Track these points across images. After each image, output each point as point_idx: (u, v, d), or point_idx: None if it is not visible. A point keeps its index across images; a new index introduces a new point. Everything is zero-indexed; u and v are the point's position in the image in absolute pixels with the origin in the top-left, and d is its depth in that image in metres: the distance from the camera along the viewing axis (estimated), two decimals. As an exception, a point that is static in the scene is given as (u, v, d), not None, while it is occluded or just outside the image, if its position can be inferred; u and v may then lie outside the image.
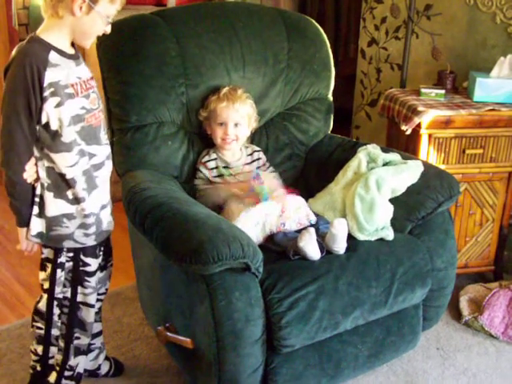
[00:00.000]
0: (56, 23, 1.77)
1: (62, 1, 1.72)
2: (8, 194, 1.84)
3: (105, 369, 2.31)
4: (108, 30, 1.85)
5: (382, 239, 2.18)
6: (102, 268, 2.08)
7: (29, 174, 1.81)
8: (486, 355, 2.53)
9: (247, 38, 2.48)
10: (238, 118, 2.35)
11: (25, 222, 1.88)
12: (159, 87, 2.29)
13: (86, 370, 2.20)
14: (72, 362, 2.06)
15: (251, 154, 2.46)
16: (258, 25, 2.53)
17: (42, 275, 2.00)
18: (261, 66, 2.51)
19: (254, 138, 2.56)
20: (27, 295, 2.06)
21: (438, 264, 2.24)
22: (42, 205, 1.86)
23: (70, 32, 1.79)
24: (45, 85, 1.72)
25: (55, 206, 1.86)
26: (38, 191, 1.85)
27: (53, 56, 1.75)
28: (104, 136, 1.94)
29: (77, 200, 1.87)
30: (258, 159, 2.47)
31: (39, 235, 1.89)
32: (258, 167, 2.43)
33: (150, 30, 2.33)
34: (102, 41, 2.30)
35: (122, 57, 2.29)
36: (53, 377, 2.07)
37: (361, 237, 2.18)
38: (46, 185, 1.84)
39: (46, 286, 1.98)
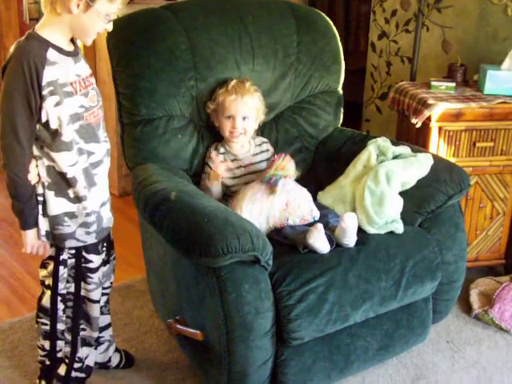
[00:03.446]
0: (55, 20, 1.73)
1: None
2: (10, 196, 1.82)
3: (115, 361, 2.32)
4: (109, 27, 1.81)
5: (391, 232, 2.18)
6: (105, 262, 2.08)
7: (32, 176, 1.80)
8: (496, 349, 2.52)
9: (257, 31, 2.48)
10: (246, 111, 2.34)
11: (28, 224, 1.86)
12: (169, 80, 2.29)
13: (96, 363, 2.21)
14: (80, 353, 2.07)
15: (260, 145, 2.46)
16: (267, 18, 2.53)
17: (44, 272, 2.01)
18: (270, 60, 2.51)
19: (263, 131, 2.56)
20: (39, 288, 2.08)
21: (447, 257, 2.24)
22: (44, 204, 1.86)
23: (68, 29, 1.76)
24: (43, 83, 1.69)
25: (57, 204, 1.85)
26: (40, 190, 1.84)
27: (51, 54, 1.72)
28: (103, 133, 1.93)
29: (78, 199, 1.87)
30: (267, 150, 2.47)
31: (47, 234, 1.89)
32: (267, 159, 2.43)
33: (160, 24, 2.33)
34: (112, 35, 2.30)
35: (132, 50, 2.29)
36: (63, 369, 2.08)
37: (370, 230, 2.18)
38: (46, 184, 1.84)
39: (48, 282, 1.99)
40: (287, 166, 2.24)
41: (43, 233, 1.88)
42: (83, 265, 1.97)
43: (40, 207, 1.86)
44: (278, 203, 2.14)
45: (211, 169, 2.34)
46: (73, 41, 1.83)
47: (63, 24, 1.74)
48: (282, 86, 2.56)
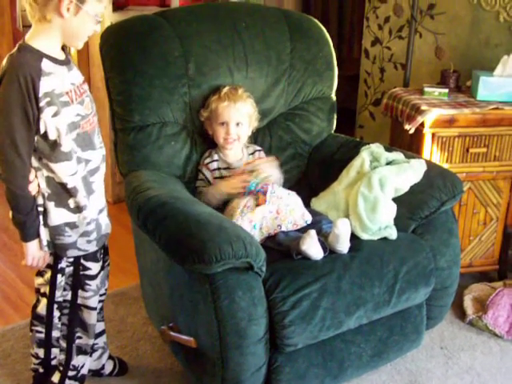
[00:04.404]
0: (45, 28, 1.72)
1: (48, 3, 1.67)
2: (11, 209, 1.80)
3: (109, 368, 2.31)
4: (98, 29, 1.81)
5: (385, 238, 2.18)
6: (100, 268, 2.07)
7: (32, 187, 1.79)
8: (490, 354, 2.52)
9: (250, 38, 2.48)
10: (239, 117, 2.34)
11: (30, 236, 1.84)
12: (162, 87, 2.29)
13: (89, 370, 2.20)
14: (75, 361, 2.06)
15: (253, 154, 2.46)
16: (260, 25, 2.53)
17: (40, 280, 2.00)
18: (264, 66, 2.51)
19: (257, 138, 2.56)
20: (32, 296, 2.07)
21: (441, 263, 2.24)
22: (45, 214, 1.85)
23: (59, 35, 1.75)
24: (40, 95, 1.68)
25: (57, 215, 1.85)
26: (40, 201, 1.83)
27: (45, 64, 1.71)
28: (98, 139, 1.92)
29: (78, 208, 1.86)
30: (259, 159, 2.46)
31: (48, 244, 1.88)
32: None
33: (153, 31, 2.33)
34: (105, 41, 2.31)
35: (126, 57, 2.29)
36: (56, 377, 2.07)
37: (364, 236, 2.18)
38: (46, 195, 1.83)
39: (44, 290, 1.98)
40: (264, 168, 2.26)
41: (45, 243, 1.87)
42: (82, 272, 1.96)
43: (40, 217, 1.85)
44: (269, 212, 2.14)
45: (205, 177, 2.34)
46: (63, 49, 1.82)
47: (53, 31, 1.73)
48: (275, 93, 2.56)
